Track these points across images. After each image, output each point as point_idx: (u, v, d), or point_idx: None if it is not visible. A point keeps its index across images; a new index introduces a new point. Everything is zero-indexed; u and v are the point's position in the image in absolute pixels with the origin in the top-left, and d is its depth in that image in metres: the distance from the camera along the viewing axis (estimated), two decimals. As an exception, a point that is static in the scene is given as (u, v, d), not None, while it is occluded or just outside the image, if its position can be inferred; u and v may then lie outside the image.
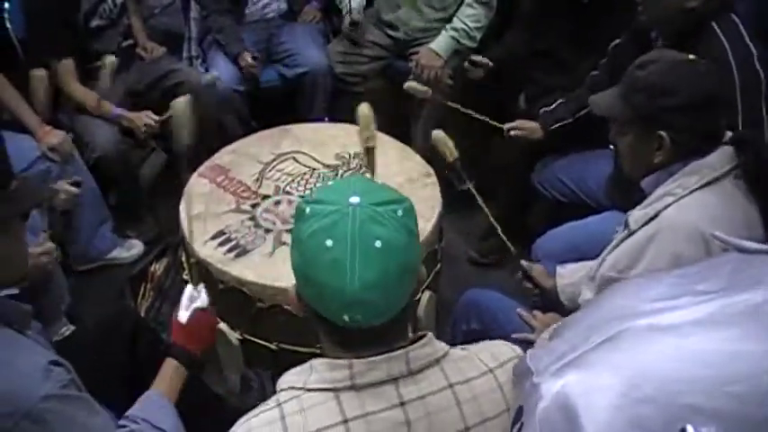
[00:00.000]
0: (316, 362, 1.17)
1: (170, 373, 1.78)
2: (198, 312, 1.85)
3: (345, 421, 1.12)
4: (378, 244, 1.07)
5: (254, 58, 3.36)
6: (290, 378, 1.19)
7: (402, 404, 1.14)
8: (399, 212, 1.11)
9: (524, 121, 2.78)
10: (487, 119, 2.80)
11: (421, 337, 1.19)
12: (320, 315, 1.15)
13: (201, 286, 1.91)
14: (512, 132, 2.77)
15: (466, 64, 3.09)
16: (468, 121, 2.83)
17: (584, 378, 0.56)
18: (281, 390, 1.18)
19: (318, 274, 1.10)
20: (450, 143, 2.44)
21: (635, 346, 0.55)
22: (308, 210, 1.12)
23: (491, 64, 3.05)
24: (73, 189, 2.57)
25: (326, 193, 1.15)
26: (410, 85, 3.00)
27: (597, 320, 0.61)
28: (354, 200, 1.10)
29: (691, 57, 1.71)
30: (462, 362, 1.21)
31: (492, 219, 2.35)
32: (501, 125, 2.80)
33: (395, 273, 1.09)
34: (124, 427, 1.63)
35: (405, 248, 1.10)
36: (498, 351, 1.26)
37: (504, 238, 2.33)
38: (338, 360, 1.15)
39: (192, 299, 1.87)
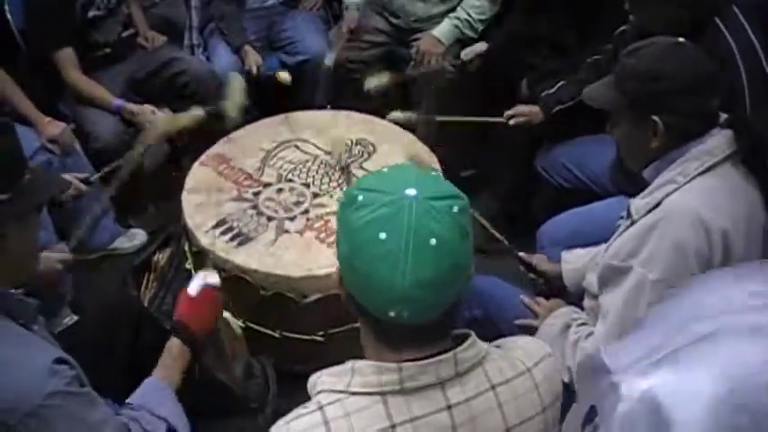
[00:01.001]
0: (359, 364, 1.13)
1: (173, 354, 1.78)
2: (208, 288, 1.87)
3: (393, 426, 1.09)
4: (433, 242, 1.03)
5: (256, 49, 3.35)
6: (327, 379, 1.14)
7: (449, 407, 1.11)
8: (455, 209, 1.07)
9: (523, 107, 2.76)
10: (485, 118, 2.79)
11: (465, 337, 1.16)
12: (363, 307, 1.11)
13: (214, 272, 1.94)
14: (512, 121, 2.76)
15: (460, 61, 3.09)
16: (471, 107, 2.81)
17: (676, 379, 0.50)
18: (319, 392, 1.14)
19: (368, 267, 1.05)
20: None
21: (734, 347, 0.50)
22: (360, 198, 1.08)
23: (483, 51, 3.03)
24: (82, 186, 2.57)
25: (381, 181, 1.11)
26: (393, 115, 2.80)
27: (688, 315, 0.54)
28: (411, 192, 1.06)
29: (680, 40, 1.70)
30: (502, 362, 1.18)
31: (482, 219, 2.34)
32: (500, 118, 2.78)
33: (446, 272, 1.05)
34: (123, 415, 1.63)
35: (458, 248, 1.06)
36: (532, 349, 1.24)
37: (497, 233, 2.31)
38: (386, 363, 1.11)
39: (205, 277, 1.89)
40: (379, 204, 1.05)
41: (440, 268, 1.04)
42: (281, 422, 1.13)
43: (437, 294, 1.07)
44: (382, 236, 1.03)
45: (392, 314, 1.06)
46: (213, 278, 1.89)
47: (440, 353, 1.11)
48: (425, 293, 1.05)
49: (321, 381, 1.15)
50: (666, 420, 0.49)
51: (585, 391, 0.57)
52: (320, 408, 1.10)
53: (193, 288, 1.86)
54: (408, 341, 1.11)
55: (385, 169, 1.17)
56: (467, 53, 3.14)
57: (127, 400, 1.68)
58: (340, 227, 1.12)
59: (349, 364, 1.13)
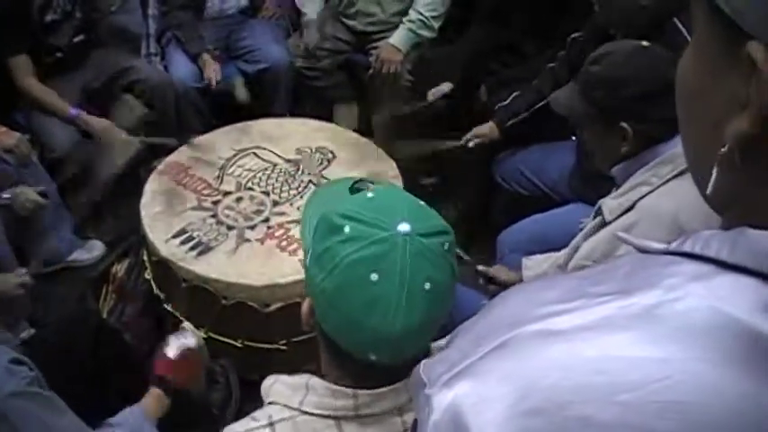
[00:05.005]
0: (314, 382, 1.07)
1: (152, 400, 1.78)
2: (187, 351, 1.84)
3: None
4: (427, 286, 0.96)
5: (215, 57, 3.33)
6: (282, 390, 1.09)
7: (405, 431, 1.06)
8: (446, 246, 1.01)
9: (480, 128, 2.77)
10: (444, 142, 2.82)
11: None
12: (337, 345, 1.03)
13: (187, 324, 1.92)
14: (470, 144, 2.77)
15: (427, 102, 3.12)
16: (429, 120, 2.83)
17: (473, 389, 0.51)
18: (270, 402, 1.09)
19: (354, 309, 0.97)
20: None
21: (523, 353, 0.51)
22: (347, 229, 0.98)
23: (448, 91, 3.05)
24: (40, 199, 2.53)
25: (371, 212, 1.00)
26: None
27: (489, 326, 0.55)
28: (404, 227, 0.97)
29: (644, 43, 1.68)
30: None
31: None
32: (458, 142, 2.81)
33: (436, 317, 1.00)
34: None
35: (449, 291, 1.01)
36: None
37: (458, 250, 2.32)
38: (341, 388, 1.05)
39: (183, 340, 1.86)
40: (369, 241, 0.96)
41: (431, 313, 0.98)
42: (226, 430, 1.10)
43: (424, 339, 1.03)
44: (374, 277, 0.95)
45: (373, 358, 1.00)
46: (191, 339, 1.86)
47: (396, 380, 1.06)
48: (413, 339, 0.99)
49: (274, 389, 1.10)
50: (465, 429, 0.50)
51: (414, 405, 0.60)
52: (270, 424, 1.06)
53: (172, 350, 1.82)
54: (372, 378, 1.06)
55: (370, 194, 1.07)
56: (433, 93, 3.16)
57: (110, 419, 1.66)
58: (320, 255, 1.01)
59: (305, 379, 1.08)
